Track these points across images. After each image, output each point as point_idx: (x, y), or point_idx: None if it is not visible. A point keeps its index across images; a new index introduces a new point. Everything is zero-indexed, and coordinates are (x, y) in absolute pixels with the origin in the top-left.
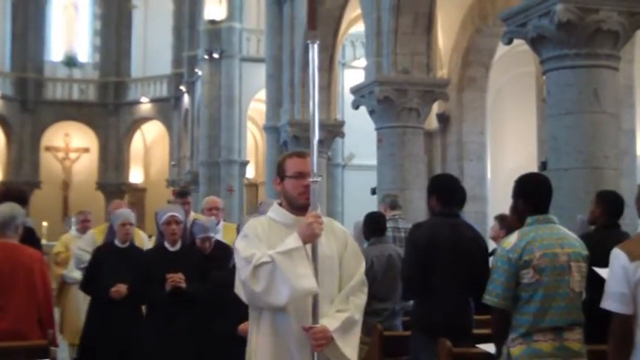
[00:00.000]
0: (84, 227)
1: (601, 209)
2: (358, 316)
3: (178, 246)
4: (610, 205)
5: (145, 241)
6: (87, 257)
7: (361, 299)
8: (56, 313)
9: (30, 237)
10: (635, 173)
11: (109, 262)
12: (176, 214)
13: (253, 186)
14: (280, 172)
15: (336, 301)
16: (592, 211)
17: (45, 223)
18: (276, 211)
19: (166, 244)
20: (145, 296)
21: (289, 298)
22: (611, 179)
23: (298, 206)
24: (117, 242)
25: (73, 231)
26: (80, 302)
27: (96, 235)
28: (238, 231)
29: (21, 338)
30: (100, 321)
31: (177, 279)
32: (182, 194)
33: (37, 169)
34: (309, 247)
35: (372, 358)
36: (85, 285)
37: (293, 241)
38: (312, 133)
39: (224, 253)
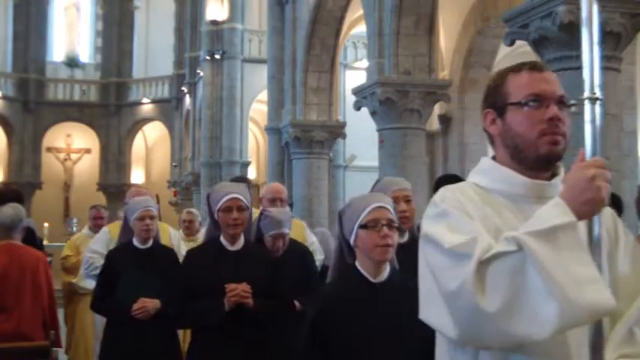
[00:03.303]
0: (96, 225)
1: None
2: None
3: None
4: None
5: (175, 238)
6: (100, 264)
7: None
8: (62, 330)
9: (31, 238)
10: (637, 175)
11: (127, 269)
12: (238, 196)
13: (255, 187)
14: (496, 101)
15: (616, 338)
16: None
17: (46, 224)
18: (491, 173)
19: (223, 241)
20: (189, 317)
21: (559, 325)
22: (613, 181)
23: (539, 159)
24: (135, 242)
25: (86, 230)
26: (94, 317)
27: (111, 233)
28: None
29: (25, 339)
30: (119, 350)
31: (242, 292)
32: (240, 180)
33: (38, 169)
34: (582, 225)
35: None
36: (98, 303)
37: (556, 212)
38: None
39: (301, 256)
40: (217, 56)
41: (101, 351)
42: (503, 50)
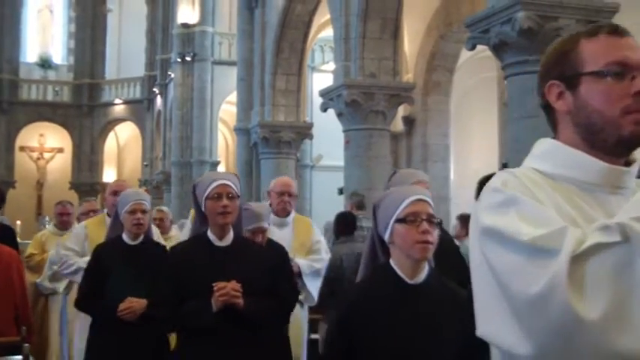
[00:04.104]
0: (62, 222)
1: None
2: None
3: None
4: None
5: (155, 235)
6: (74, 262)
7: None
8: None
9: (8, 235)
10: None
11: (116, 266)
12: (227, 182)
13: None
14: (565, 70)
15: None
16: None
17: (19, 222)
18: (557, 156)
19: (210, 236)
20: (175, 319)
21: None
22: None
23: (621, 142)
24: (125, 237)
25: (50, 226)
26: (60, 320)
27: (89, 229)
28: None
29: None
30: (104, 354)
31: (231, 291)
32: None
33: (11, 168)
34: None
35: None
36: (83, 300)
37: None
38: None
39: (279, 256)
40: (188, 58)
41: (85, 357)
42: (465, 54)
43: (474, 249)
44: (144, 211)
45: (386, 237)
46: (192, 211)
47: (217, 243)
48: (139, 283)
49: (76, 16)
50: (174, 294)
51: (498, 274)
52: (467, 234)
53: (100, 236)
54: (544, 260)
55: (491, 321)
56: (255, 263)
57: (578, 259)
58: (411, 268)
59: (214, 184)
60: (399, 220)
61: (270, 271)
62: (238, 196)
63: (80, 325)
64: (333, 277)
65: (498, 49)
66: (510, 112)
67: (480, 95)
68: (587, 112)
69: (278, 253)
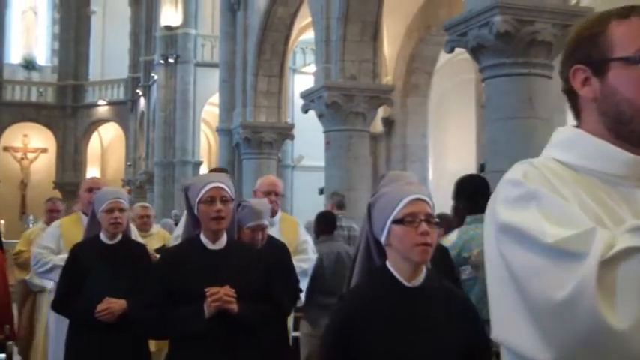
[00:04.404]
0: (52, 219)
1: None
2: None
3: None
4: None
5: (134, 233)
6: (49, 259)
7: None
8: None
9: None
10: None
11: (95, 266)
12: (221, 185)
13: None
14: (592, 54)
15: None
16: None
17: (2, 222)
18: (580, 146)
19: (203, 239)
20: (165, 326)
21: None
22: None
23: None
24: (103, 237)
25: (40, 224)
26: (49, 317)
27: (64, 227)
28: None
29: None
30: (83, 355)
31: (224, 296)
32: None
33: None
34: None
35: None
36: (60, 301)
37: None
38: None
39: (279, 253)
40: (171, 60)
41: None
42: (444, 57)
43: (490, 246)
44: (122, 210)
45: (382, 239)
46: None
47: (210, 246)
48: (117, 284)
49: (60, 17)
50: (163, 297)
51: (517, 276)
52: (445, 233)
53: (75, 234)
54: (571, 264)
55: (508, 325)
56: (249, 266)
57: (608, 263)
58: (409, 271)
59: (207, 187)
60: (396, 221)
61: (266, 272)
62: (232, 199)
63: (56, 324)
64: (313, 275)
65: (476, 52)
66: (488, 113)
67: (458, 97)
68: (615, 101)
69: (279, 250)
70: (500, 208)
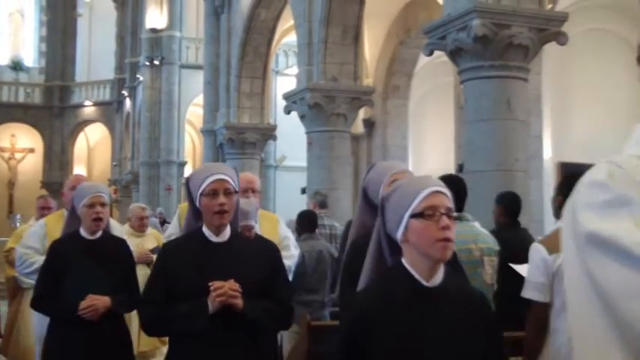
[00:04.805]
0: (43, 216)
1: (500, 210)
2: None
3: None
4: (509, 204)
5: (121, 232)
6: (34, 260)
7: None
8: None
9: None
10: (542, 175)
11: (75, 263)
12: (224, 177)
13: None
14: None
15: None
16: (494, 211)
17: None
18: None
19: (205, 231)
20: (166, 322)
21: None
22: (520, 180)
23: None
24: (83, 232)
25: (32, 221)
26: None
27: (49, 226)
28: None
29: None
30: (64, 354)
31: (229, 291)
32: None
33: None
34: None
35: (301, 346)
36: (39, 300)
37: None
38: None
39: (272, 252)
40: (156, 62)
41: (43, 357)
42: (423, 60)
43: (571, 257)
44: (103, 204)
45: (398, 235)
46: (182, 206)
47: (213, 239)
48: (99, 280)
49: (47, 20)
50: (163, 293)
51: (610, 298)
52: None
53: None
54: None
55: (592, 351)
56: (254, 260)
57: None
58: (428, 269)
59: (210, 179)
60: (414, 215)
61: (270, 268)
62: (236, 192)
63: (39, 322)
64: (296, 273)
65: (455, 54)
66: (466, 115)
67: (437, 99)
68: None
69: (270, 249)
70: (583, 215)
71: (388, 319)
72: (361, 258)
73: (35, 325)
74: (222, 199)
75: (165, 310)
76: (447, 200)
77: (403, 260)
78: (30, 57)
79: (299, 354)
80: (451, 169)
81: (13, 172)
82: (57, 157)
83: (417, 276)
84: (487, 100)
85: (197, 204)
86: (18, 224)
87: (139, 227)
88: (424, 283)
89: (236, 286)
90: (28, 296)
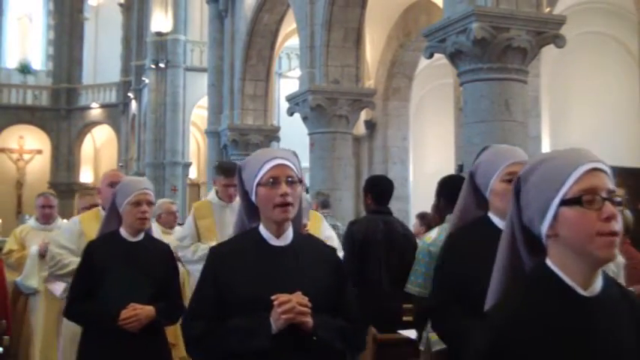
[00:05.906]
0: (45, 216)
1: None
2: None
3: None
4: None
5: (156, 232)
6: (69, 261)
7: None
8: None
9: None
10: None
11: (114, 267)
12: (286, 162)
13: (195, 186)
14: None
15: None
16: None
17: (0, 221)
18: None
19: (263, 232)
20: (220, 341)
21: None
22: None
23: None
24: (124, 233)
25: (32, 221)
26: (42, 321)
27: (84, 224)
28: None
29: None
30: None
31: (297, 306)
32: (226, 171)
33: None
34: None
35: None
36: (73, 307)
37: None
38: None
39: (332, 256)
40: (161, 65)
41: None
42: (423, 62)
43: None
44: (150, 203)
45: (543, 228)
46: (196, 205)
47: (274, 242)
48: (141, 287)
49: (54, 24)
50: (214, 307)
51: None
52: (425, 231)
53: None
54: None
55: None
56: (319, 267)
57: None
58: (586, 274)
59: (269, 165)
60: (567, 202)
61: (335, 277)
62: (301, 181)
63: (66, 329)
64: None
65: (454, 57)
66: (465, 116)
67: (437, 101)
68: None
69: (332, 253)
70: None
71: (536, 344)
72: (459, 255)
73: (64, 333)
74: (284, 188)
75: (218, 328)
76: (609, 181)
77: (548, 262)
78: (38, 60)
79: None
80: (451, 170)
81: (21, 173)
82: (64, 159)
83: (570, 283)
84: (486, 102)
85: (253, 197)
86: (28, 221)
87: (170, 223)
88: (581, 292)
89: (305, 300)
90: (34, 301)
